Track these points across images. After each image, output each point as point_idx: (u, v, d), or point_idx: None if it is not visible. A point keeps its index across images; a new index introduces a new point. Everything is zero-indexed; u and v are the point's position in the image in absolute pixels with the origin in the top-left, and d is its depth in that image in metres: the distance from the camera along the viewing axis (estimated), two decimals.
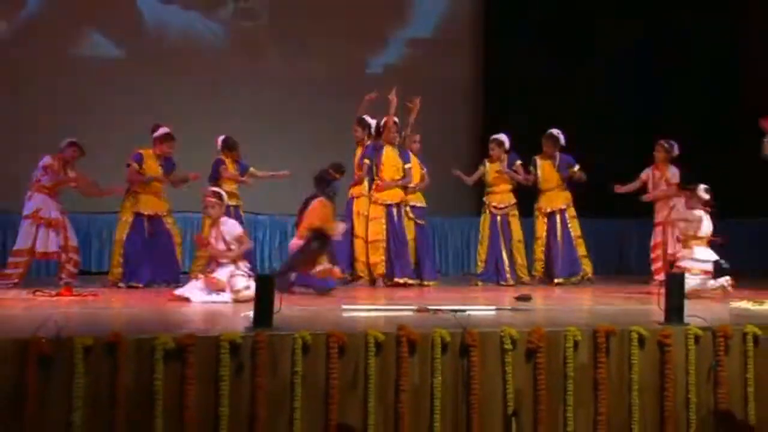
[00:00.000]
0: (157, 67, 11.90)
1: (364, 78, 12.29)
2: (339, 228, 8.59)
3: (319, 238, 8.40)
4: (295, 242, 8.63)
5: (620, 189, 10.14)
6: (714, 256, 8.38)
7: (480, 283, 9.97)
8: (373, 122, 9.75)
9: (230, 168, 9.68)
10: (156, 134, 9.43)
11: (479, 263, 10.23)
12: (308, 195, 8.75)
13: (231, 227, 7.96)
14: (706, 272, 8.27)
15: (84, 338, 5.04)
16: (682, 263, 8.43)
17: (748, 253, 10.98)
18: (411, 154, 9.82)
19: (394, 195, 9.59)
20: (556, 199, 10.35)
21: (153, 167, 9.40)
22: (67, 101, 11.40)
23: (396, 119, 9.70)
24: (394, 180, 9.60)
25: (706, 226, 8.44)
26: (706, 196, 8.53)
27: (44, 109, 11.36)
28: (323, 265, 8.41)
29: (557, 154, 10.39)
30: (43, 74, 11.49)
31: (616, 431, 5.71)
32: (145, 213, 9.25)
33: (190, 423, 5.10)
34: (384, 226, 9.53)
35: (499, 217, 10.16)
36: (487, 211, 10.21)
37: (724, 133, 11.26)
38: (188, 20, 12.37)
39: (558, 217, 10.31)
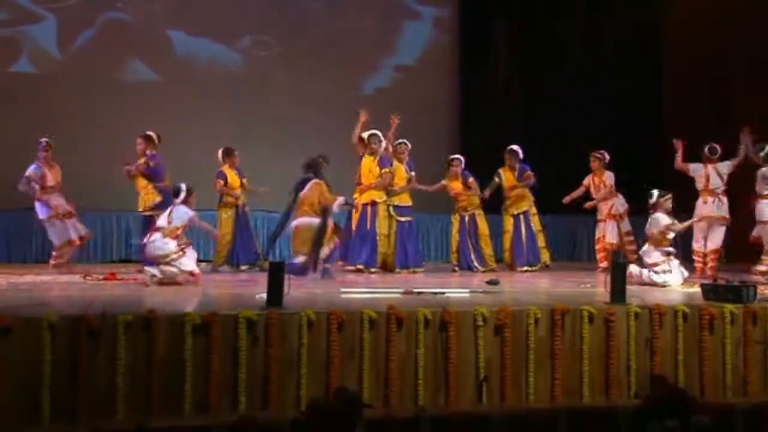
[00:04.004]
0: (187, 89, 11.86)
1: (358, 98, 12.26)
2: (339, 200, 8.43)
3: (325, 213, 8.30)
4: (304, 221, 8.32)
5: (567, 200, 10.13)
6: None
7: (457, 270, 9.96)
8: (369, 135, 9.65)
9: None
10: (220, 153, 9.64)
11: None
12: (299, 180, 8.51)
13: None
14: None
15: (125, 315, 5.06)
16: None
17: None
18: (395, 161, 9.74)
19: (368, 196, 9.53)
20: (520, 203, 10.26)
21: (234, 178, 9.60)
22: (110, 119, 11.36)
23: (376, 132, 9.61)
24: (369, 183, 9.53)
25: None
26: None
27: (91, 123, 11.32)
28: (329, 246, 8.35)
29: (517, 165, 10.29)
30: (89, 95, 11.43)
31: (570, 393, 5.73)
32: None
33: (213, 385, 5.11)
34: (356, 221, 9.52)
35: (467, 217, 10.16)
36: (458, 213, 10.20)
37: (646, 151, 11.21)
38: (213, 50, 12.33)
39: (522, 218, 10.27)
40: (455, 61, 13.29)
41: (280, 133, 11.85)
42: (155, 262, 7.67)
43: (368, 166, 9.54)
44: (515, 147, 10.28)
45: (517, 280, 8.81)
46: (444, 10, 13.42)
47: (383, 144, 9.63)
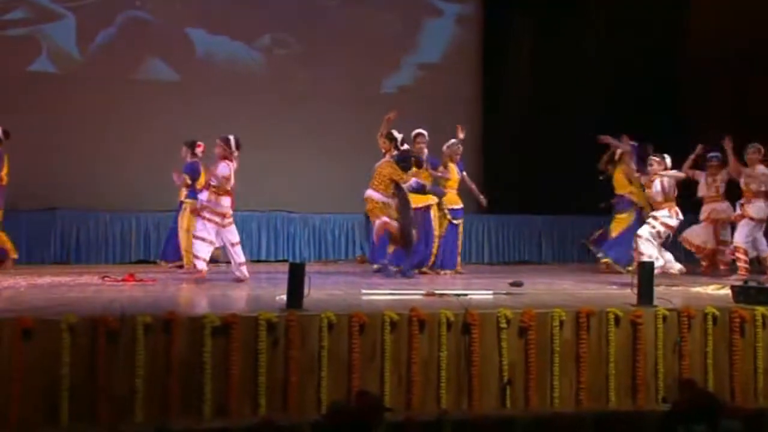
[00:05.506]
0: (207, 88, 11.88)
1: (379, 97, 12.26)
2: (411, 181, 8.79)
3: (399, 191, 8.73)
4: (370, 193, 8.69)
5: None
6: None
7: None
8: (399, 136, 9.55)
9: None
10: None
11: None
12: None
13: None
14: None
15: (144, 316, 5.05)
16: None
17: None
18: (448, 161, 9.58)
19: (421, 200, 9.32)
20: None
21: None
22: (129, 118, 11.40)
23: (423, 131, 9.56)
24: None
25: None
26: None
27: (110, 123, 11.37)
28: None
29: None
30: (109, 94, 11.48)
31: (596, 397, 5.67)
32: None
33: (233, 388, 5.10)
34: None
35: None
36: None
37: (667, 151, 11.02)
38: (233, 49, 12.35)
39: None
40: (478, 59, 13.25)
41: (300, 131, 11.85)
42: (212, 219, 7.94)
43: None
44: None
45: (541, 282, 8.70)
46: (466, 7, 13.38)
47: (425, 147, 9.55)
